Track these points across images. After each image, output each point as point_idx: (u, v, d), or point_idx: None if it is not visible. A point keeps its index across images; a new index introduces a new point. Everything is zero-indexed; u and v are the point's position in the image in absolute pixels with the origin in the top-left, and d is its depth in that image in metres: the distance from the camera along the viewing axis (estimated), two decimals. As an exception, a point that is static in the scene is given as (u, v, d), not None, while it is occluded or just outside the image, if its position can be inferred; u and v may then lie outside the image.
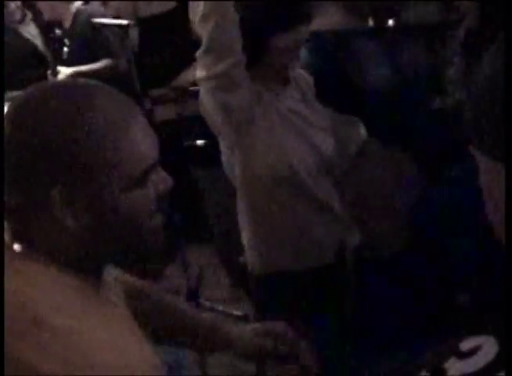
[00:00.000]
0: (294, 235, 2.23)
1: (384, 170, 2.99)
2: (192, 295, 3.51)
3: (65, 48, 4.08)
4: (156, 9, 5.18)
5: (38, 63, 4.32)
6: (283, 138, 2.14)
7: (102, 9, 4.52)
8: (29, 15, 4.40)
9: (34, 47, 4.35)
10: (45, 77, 4.15)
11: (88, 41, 4.01)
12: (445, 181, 3.11)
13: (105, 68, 4.02)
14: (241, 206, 2.25)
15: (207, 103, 2.06)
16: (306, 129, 2.23)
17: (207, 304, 3.57)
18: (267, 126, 2.12)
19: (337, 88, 3.79)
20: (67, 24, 4.11)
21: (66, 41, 4.08)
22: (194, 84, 3.95)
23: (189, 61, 4.26)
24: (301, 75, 2.37)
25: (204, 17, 1.95)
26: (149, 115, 4.25)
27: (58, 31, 4.06)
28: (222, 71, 1.95)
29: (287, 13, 2.08)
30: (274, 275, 2.27)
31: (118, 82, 3.99)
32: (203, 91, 2.05)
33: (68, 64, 4.04)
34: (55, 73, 3.98)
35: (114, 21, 3.77)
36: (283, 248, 2.24)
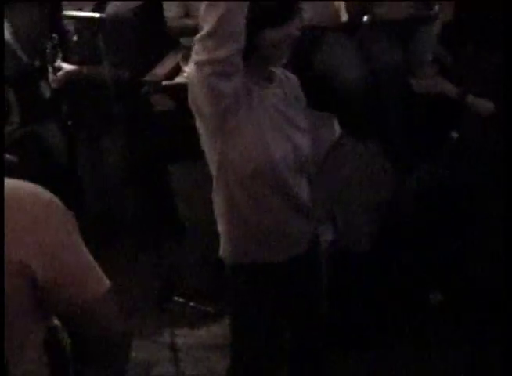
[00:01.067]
0: (268, 228, 2.22)
1: (357, 165, 2.99)
2: (167, 291, 3.50)
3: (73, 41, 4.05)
4: (127, 5, 5.13)
5: (9, 57, 4.25)
6: (266, 132, 2.14)
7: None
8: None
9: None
10: (24, 72, 4.13)
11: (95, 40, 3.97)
12: (418, 176, 3.12)
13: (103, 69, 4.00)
14: (217, 194, 2.25)
15: (198, 87, 2.04)
16: (288, 128, 2.22)
17: (181, 300, 3.56)
18: (252, 118, 2.12)
19: (311, 84, 3.81)
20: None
21: (75, 37, 4.04)
22: (166, 78, 3.96)
23: (160, 57, 4.24)
24: (285, 74, 2.34)
25: (212, 3, 1.93)
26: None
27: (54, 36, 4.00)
28: (224, 56, 1.94)
29: (280, 7, 2.06)
30: (246, 266, 2.27)
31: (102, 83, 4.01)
32: (197, 74, 2.03)
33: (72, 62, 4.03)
34: (56, 69, 3.96)
35: (85, 14, 3.72)
36: (255, 240, 2.24)
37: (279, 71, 2.30)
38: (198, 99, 2.07)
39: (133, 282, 3.74)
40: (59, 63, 3.99)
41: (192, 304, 3.53)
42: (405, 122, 3.58)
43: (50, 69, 4.03)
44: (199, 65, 1.99)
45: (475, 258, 2.98)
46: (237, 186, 2.16)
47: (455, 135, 3.05)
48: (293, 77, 2.38)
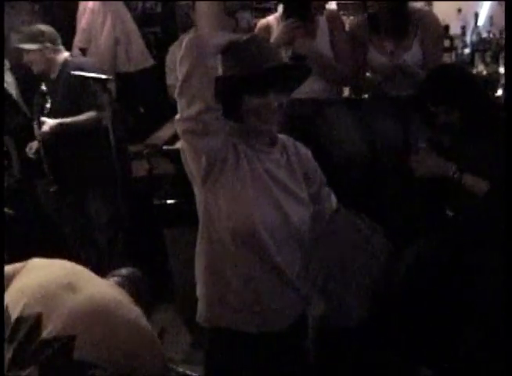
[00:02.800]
0: (246, 296, 2.17)
1: (353, 239, 2.99)
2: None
3: (49, 100, 4.05)
4: (135, 66, 5.24)
5: (14, 112, 4.30)
6: (250, 193, 2.12)
7: (90, 60, 4.53)
8: (7, 64, 4.40)
9: (9, 95, 4.36)
10: (27, 127, 4.15)
11: (74, 93, 3.99)
12: (414, 252, 3.12)
13: (88, 120, 4.01)
14: (198, 252, 2.24)
15: (182, 144, 2.10)
16: (281, 195, 2.20)
17: (170, 366, 3.51)
18: (237, 177, 2.12)
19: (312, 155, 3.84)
20: (54, 75, 4.09)
21: (51, 92, 4.06)
22: (167, 142, 4.01)
23: (163, 120, 4.30)
24: (295, 145, 2.37)
25: (180, 61, 2.00)
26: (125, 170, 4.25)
27: (43, 88, 4.04)
28: (192, 115, 2.00)
29: (257, 78, 2.09)
30: (223, 330, 2.22)
31: (98, 136, 4.03)
32: (179, 132, 2.09)
33: (53, 115, 4.01)
34: (40, 124, 3.96)
35: (93, 75, 3.77)
36: (233, 307, 2.19)
37: (288, 141, 2.35)
38: (184, 155, 2.12)
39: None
40: (42, 118, 4.01)
41: (180, 370, 3.49)
42: (402, 198, 3.60)
43: (35, 123, 4.06)
44: (176, 123, 2.08)
45: (466, 334, 2.96)
46: (219, 245, 2.14)
47: (450, 213, 3.07)
48: (306, 152, 2.40)
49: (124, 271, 2.42)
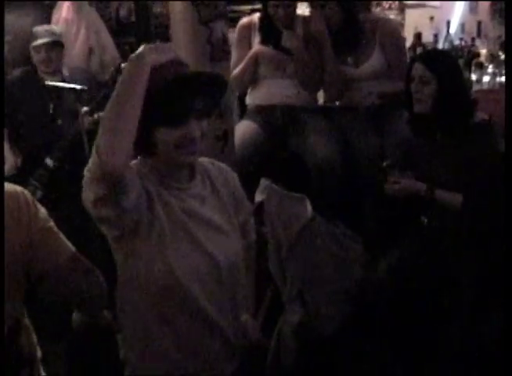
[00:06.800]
0: (176, 354, 1.95)
1: (328, 247, 3.01)
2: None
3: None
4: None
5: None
6: (169, 247, 1.89)
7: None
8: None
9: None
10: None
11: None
12: (389, 263, 3.13)
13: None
14: (120, 304, 2.02)
15: (85, 203, 1.82)
16: (202, 235, 1.96)
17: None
18: (152, 234, 1.88)
19: (285, 163, 3.85)
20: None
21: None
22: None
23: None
24: (218, 167, 2.16)
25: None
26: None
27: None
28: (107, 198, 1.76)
29: (173, 107, 1.83)
30: None
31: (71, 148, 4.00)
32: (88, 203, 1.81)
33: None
34: None
35: (68, 85, 3.77)
36: (159, 364, 1.97)
37: (210, 165, 2.13)
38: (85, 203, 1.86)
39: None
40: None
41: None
42: (376, 205, 3.61)
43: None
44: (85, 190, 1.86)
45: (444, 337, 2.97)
46: (141, 303, 1.94)
47: (424, 219, 3.09)
48: (233, 175, 2.18)
49: None
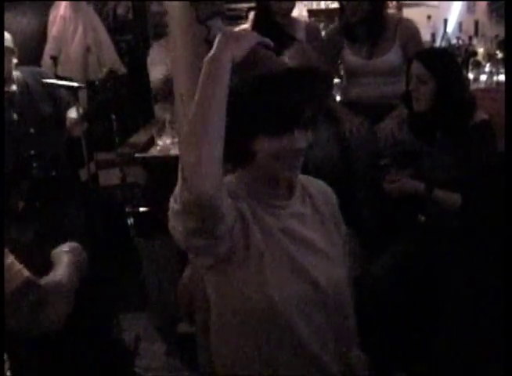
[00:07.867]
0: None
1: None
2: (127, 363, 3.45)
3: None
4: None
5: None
6: (268, 272, 1.71)
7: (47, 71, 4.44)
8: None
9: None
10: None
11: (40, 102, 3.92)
12: (392, 257, 3.12)
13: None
14: (213, 324, 1.87)
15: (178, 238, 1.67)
16: (304, 258, 1.76)
17: (141, 372, 3.50)
18: (248, 258, 1.71)
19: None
20: (13, 87, 3.88)
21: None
22: (140, 150, 3.99)
23: (136, 127, 4.28)
24: (318, 185, 1.95)
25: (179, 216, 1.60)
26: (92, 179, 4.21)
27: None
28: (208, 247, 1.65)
29: (277, 116, 1.63)
30: None
31: (68, 145, 3.98)
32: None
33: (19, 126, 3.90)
34: None
35: (64, 83, 3.75)
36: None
37: (306, 180, 1.91)
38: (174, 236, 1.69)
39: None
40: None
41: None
42: (375, 203, 3.61)
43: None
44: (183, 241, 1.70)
45: (442, 338, 2.96)
46: (233, 326, 1.79)
47: (422, 218, 3.09)
48: (329, 188, 1.98)
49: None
